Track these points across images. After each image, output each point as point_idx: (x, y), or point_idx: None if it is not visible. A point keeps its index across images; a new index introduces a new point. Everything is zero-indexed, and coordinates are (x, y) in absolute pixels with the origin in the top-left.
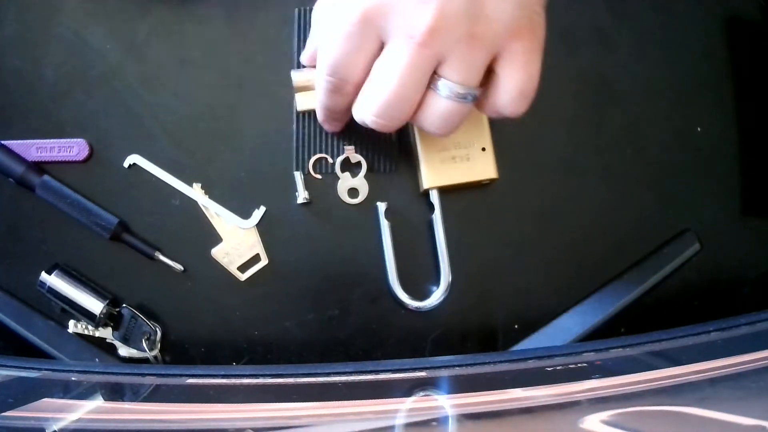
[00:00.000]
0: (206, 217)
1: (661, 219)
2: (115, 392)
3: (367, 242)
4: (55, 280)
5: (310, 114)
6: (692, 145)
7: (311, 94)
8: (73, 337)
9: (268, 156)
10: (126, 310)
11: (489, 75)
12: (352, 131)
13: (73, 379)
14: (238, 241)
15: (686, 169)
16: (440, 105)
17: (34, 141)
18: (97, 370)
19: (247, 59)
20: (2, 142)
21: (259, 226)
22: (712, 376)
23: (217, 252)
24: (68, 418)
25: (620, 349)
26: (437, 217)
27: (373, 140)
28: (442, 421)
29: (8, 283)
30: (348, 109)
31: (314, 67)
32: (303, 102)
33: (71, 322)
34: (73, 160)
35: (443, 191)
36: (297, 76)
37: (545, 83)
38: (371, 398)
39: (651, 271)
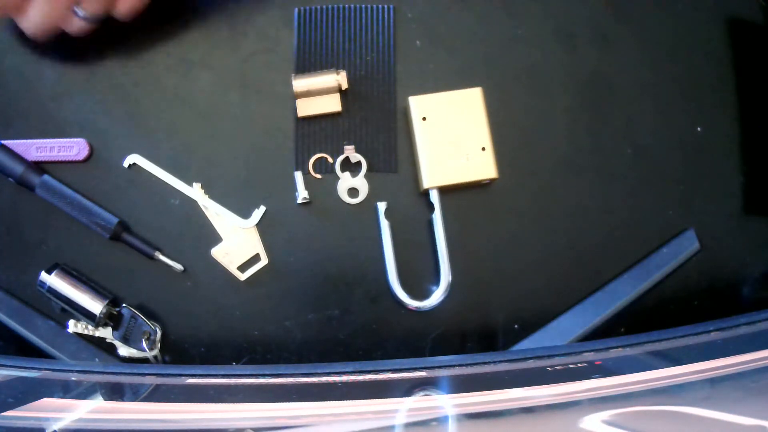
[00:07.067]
0: (206, 217)
1: (661, 219)
2: (115, 392)
3: (367, 242)
4: (55, 280)
5: (311, 118)
6: (692, 145)
7: (311, 99)
8: (73, 337)
9: (268, 156)
10: (126, 310)
11: None
12: (352, 131)
13: (73, 378)
14: (238, 241)
15: (686, 169)
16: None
17: (34, 141)
18: (97, 370)
19: (247, 59)
20: (2, 141)
21: (259, 226)
22: (712, 376)
23: (217, 252)
24: (68, 418)
25: (620, 349)
26: (437, 216)
27: (373, 140)
28: (442, 420)
29: (8, 283)
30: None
31: (313, 72)
32: (303, 108)
33: (71, 322)
34: (73, 159)
35: (443, 191)
36: (297, 83)
37: (545, 83)
38: (371, 398)
39: (651, 271)
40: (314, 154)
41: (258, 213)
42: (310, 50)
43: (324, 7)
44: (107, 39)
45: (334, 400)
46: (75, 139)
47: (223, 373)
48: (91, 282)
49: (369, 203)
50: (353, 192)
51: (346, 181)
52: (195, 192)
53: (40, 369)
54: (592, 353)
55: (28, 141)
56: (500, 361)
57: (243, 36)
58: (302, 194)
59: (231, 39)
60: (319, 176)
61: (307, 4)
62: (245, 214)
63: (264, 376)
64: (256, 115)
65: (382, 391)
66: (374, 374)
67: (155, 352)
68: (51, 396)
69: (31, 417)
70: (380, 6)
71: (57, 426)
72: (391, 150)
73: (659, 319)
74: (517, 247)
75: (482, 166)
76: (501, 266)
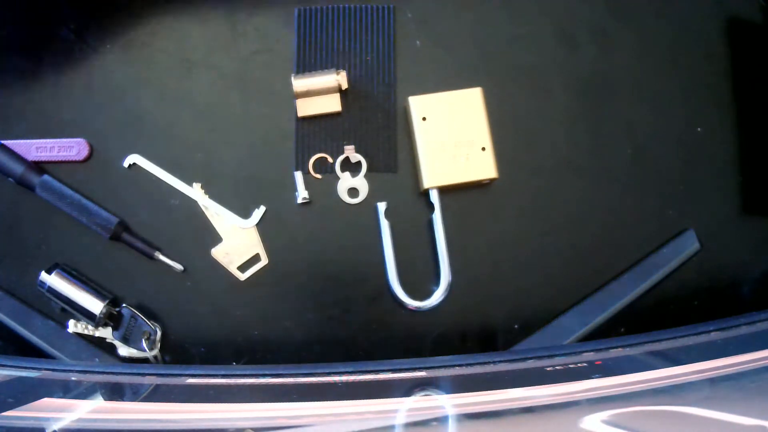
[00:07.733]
0: (206, 217)
1: (661, 219)
2: (115, 392)
3: (367, 242)
4: (55, 280)
5: (311, 118)
6: (692, 145)
7: (311, 99)
8: (73, 337)
9: (268, 156)
10: (126, 310)
11: None
12: (352, 131)
13: (73, 379)
14: (238, 241)
15: (686, 169)
16: None
17: (34, 141)
18: (97, 370)
19: (247, 59)
20: (2, 141)
21: (259, 226)
22: (712, 376)
23: (217, 252)
24: (68, 418)
25: (620, 349)
26: (437, 217)
27: (373, 140)
28: (442, 420)
29: (8, 283)
30: None
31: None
32: (303, 108)
33: (71, 322)
34: (73, 159)
35: (443, 191)
36: (297, 83)
37: (545, 83)
38: (371, 398)
39: (651, 271)
40: (314, 154)
41: (258, 213)
42: (310, 50)
43: (324, 7)
44: (107, 39)
45: (334, 400)
46: (75, 139)
47: (223, 373)
48: (91, 282)
49: (369, 203)
50: (353, 192)
51: (346, 181)
52: (195, 192)
53: (40, 369)
54: (592, 353)
55: (28, 141)
56: (500, 361)
57: (243, 36)
58: (302, 194)
59: (231, 39)
60: (319, 176)
61: (307, 4)
62: (245, 214)
63: (264, 376)
64: (256, 115)
65: (382, 391)
66: (374, 374)
67: (155, 352)
68: (51, 396)
69: (31, 417)
70: (380, 6)
71: (57, 426)
72: (391, 150)
73: (659, 319)
74: (517, 247)
75: (482, 166)
76: (501, 266)
